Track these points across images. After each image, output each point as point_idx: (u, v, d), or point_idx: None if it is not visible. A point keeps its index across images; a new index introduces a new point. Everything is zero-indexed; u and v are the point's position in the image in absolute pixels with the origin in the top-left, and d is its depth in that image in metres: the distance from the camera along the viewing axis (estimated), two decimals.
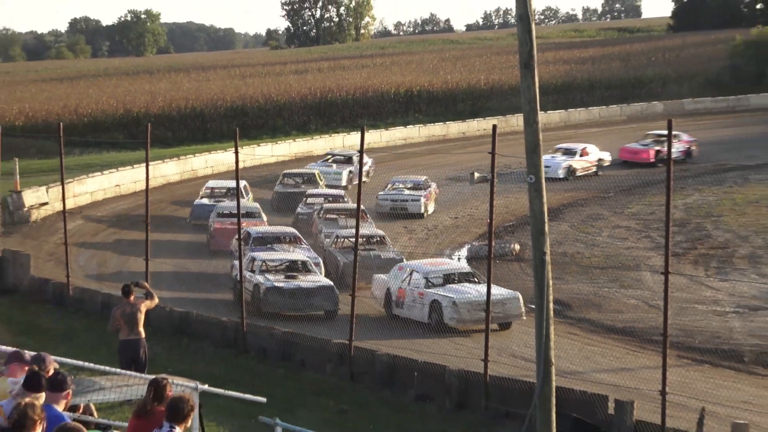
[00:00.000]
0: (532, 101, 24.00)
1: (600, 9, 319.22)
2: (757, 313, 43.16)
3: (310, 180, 67.00)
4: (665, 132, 65.80)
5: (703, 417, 25.92)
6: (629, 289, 46.20)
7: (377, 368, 32.50)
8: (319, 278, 43.39)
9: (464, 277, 41.82)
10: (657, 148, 74.64)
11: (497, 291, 37.37)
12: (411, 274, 42.03)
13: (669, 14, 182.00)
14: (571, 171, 71.38)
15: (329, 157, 76.26)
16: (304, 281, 42.45)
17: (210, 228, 54.12)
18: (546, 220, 24.24)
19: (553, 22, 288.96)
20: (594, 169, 73.78)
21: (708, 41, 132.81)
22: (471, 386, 29.98)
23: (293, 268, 43.94)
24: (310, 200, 59.91)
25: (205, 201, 59.60)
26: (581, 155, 72.45)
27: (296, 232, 50.57)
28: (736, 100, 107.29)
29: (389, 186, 64.77)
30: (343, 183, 71.10)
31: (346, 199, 61.10)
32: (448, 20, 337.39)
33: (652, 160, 73.96)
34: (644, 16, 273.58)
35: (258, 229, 50.32)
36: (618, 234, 58.29)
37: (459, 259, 51.45)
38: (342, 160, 74.27)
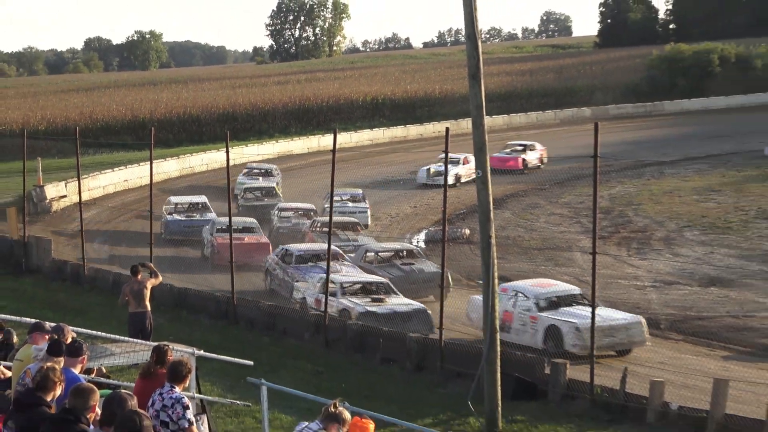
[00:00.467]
0: (479, 107, 24.12)
1: (537, 28, 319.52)
2: (671, 287, 43.24)
3: (270, 193, 60.81)
4: (522, 142, 65.45)
5: (625, 376, 25.94)
6: (562, 267, 46.23)
7: (348, 335, 32.49)
8: (409, 301, 36.11)
9: (573, 299, 34.22)
10: (522, 156, 73.07)
11: (620, 315, 33.00)
12: (516, 296, 34.19)
13: (596, 33, 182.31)
14: (457, 178, 67.37)
15: (246, 170, 68.02)
16: (398, 305, 35.14)
17: (211, 243, 46.96)
18: (491, 208, 24.34)
19: (497, 39, 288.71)
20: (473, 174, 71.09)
21: (629, 56, 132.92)
22: (428, 350, 29.98)
23: (370, 289, 36.70)
24: (283, 214, 53.51)
25: (177, 216, 53.24)
26: (463, 163, 68.70)
27: (338, 249, 42.19)
28: (653, 106, 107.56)
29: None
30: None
31: (315, 211, 54.89)
32: (407, 38, 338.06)
33: (521, 167, 71.81)
34: (575, 34, 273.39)
35: (299, 247, 43.68)
36: (553, 220, 58.34)
37: (417, 242, 51.33)
38: (261, 173, 67.53)
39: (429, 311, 34.47)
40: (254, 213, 54.73)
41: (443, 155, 67.41)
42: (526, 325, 33.19)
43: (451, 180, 65.05)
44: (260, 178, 66.30)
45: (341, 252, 42.84)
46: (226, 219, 45.03)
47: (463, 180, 67.79)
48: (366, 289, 36.63)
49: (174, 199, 56.23)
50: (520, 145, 74.24)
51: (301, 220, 53.97)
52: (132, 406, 9.84)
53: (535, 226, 57.13)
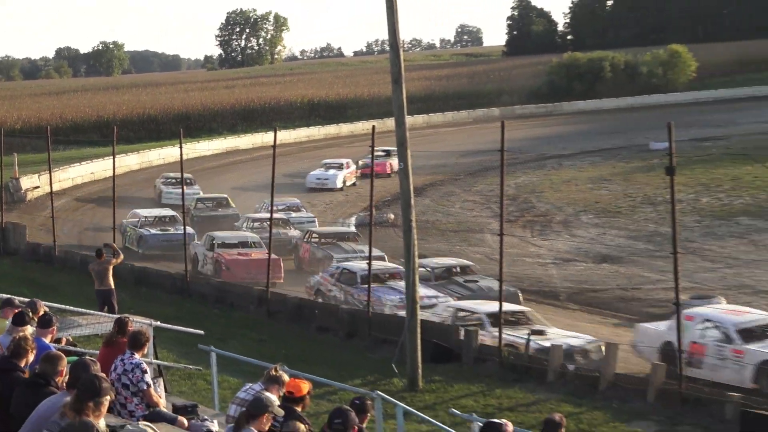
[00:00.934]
0: (401, 108, 24.14)
1: (452, 39, 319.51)
2: (569, 263, 43.57)
3: (222, 203, 53.31)
4: (386, 148, 64.79)
5: (529, 341, 26.05)
6: (475, 247, 46.38)
7: (288, 307, 32.48)
8: (553, 329, 28.45)
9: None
10: (389, 161, 67.28)
11: None
12: (707, 324, 26.46)
13: (504, 43, 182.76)
14: (343, 180, 65.37)
15: (163, 179, 61.40)
16: (559, 336, 27.31)
17: (215, 260, 40.03)
18: (412, 195, 24.39)
19: (418, 49, 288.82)
20: (354, 178, 66.86)
21: (532, 63, 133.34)
22: (358, 320, 30.01)
23: (513, 320, 28.28)
24: (257, 224, 46.10)
25: (153, 231, 45.61)
26: (346, 167, 66.88)
27: (399, 266, 33.36)
28: (553, 106, 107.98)
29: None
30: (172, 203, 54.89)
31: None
32: (340, 48, 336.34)
33: (388, 172, 66.45)
34: (485, 44, 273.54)
35: (361, 266, 34.52)
36: (467, 206, 58.47)
37: (349, 226, 51.14)
38: (178, 181, 53.47)
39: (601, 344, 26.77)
40: (209, 224, 47.52)
41: (327, 161, 65.92)
42: (727, 359, 25.53)
43: (339, 184, 64.39)
44: (170, 187, 58.01)
45: (401, 269, 32.08)
46: (226, 233, 42.71)
47: (348, 183, 65.73)
48: (509, 321, 27.68)
49: (141, 212, 48.68)
50: (384, 151, 68.36)
51: (216, 212, 51.11)
52: (95, 371, 9.76)
53: (451, 211, 57.28)
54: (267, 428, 10.43)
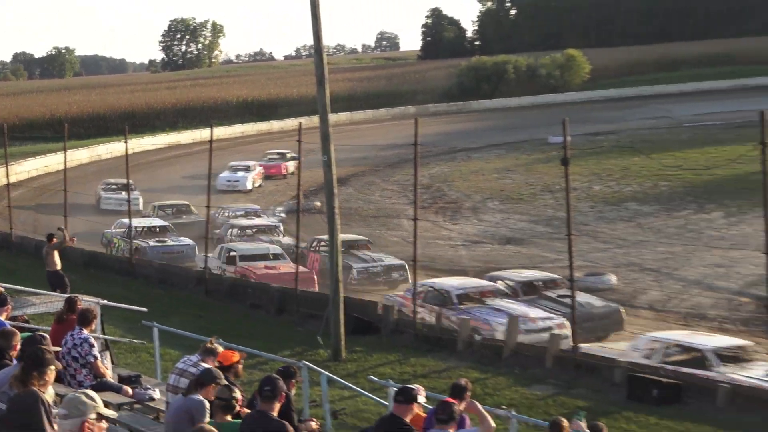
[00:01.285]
0: (324, 106, 24.15)
1: (373, 44, 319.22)
2: (477, 245, 43.79)
3: (181, 210, 47.79)
4: (281, 150, 63.22)
5: (440, 315, 26.19)
6: (393, 231, 46.48)
7: (224, 287, 32.37)
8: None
9: None
10: (285, 163, 65.71)
11: None
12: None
13: (419, 48, 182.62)
14: (253, 181, 61.64)
15: (104, 185, 55.11)
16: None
17: (244, 275, 33.91)
18: (335, 185, 24.41)
19: (342, 53, 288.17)
20: (252, 178, 61.91)
21: (444, 66, 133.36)
22: (287, 297, 29.93)
23: None
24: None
25: (152, 243, 39.59)
26: (253, 169, 62.87)
27: (492, 283, 28.90)
28: (462, 105, 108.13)
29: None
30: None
31: (279, 228, 42.93)
32: (271, 52, 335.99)
33: (283, 173, 65.25)
34: (402, 49, 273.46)
35: (453, 283, 28.71)
36: (386, 194, 58.55)
37: (279, 213, 51.00)
38: (119, 187, 50.94)
39: None
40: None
41: (233, 163, 61.46)
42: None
43: (249, 186, 60.53)
44: (122, 192, 47.99)
45: (500, 288, 28.64)
46: (245, 246, 37.13)
47: (255, 184, 61.72)
48: (729, 357, 22.01)
49: (134, 222, 40.52)
50: (278, 153, 67.27)
51: (179, 219, 45.21)
52: (44, 345, 9.69)
53: (371, 199, 57.31)
54: (212, 397, 10.45)
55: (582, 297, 27.42)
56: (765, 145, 20.64)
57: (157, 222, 43.21)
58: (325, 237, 34.54)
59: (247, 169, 62.56)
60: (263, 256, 35.42)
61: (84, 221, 44.15)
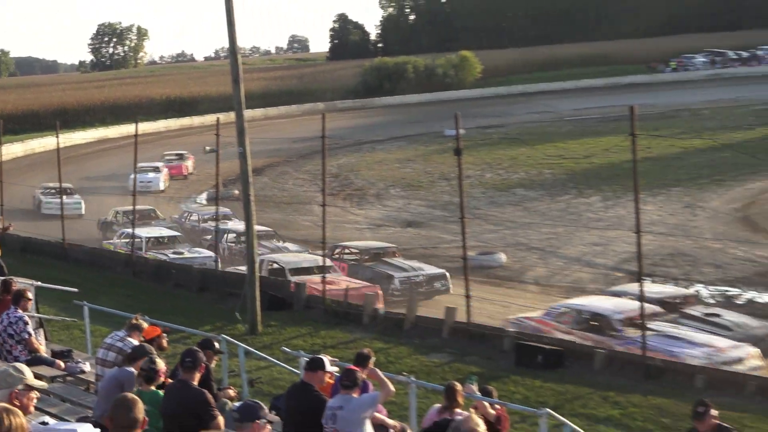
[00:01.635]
0: (240, 103, 24.05)
1: (285, 46, 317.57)
2: (381, 228, 43.95)
3: (147, 215, 41.86)
4: (178, 152, 61.66)
5: (348, 292, 26.24)
6: (305, 216, 46.33)
7: (149, 268, 32.08)
8: None
9: None
10: (184, 164, 62.57)
11: None
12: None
13: (327, 50, 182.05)
14: (164, 182, 57.16)
15: (42, 189, 50.12)
16: None
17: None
18: (251, 174, 24.39)
19: (257, 54, 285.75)
20: (164, 179, 57.76)
21: (350, 66, 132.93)
22: (209, 277, 29.77)
23: None
24: (230, 236, 36.66)
25: (171, 254, 33.93)
26: (161, 170, 58.07)
27: (654, 307, 21.87)
28: (367, 101, 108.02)
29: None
30: None
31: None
32: (192, 54, 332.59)
33: (185, 173, 61.84)
34: (312, 51, 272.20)
35: (605, 305, 22.74)
36: (298, 183, 58.44)
37: (201, 201, 50.53)
38: (58, 191, 41.79)
39: None
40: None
41: (142, 165, 50.97)
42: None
43: (162, 186, 56.28)
44: (65, 196, 41.34)
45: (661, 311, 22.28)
46: (290, 257, 31.16)
47: (167, 184, 57.57)
48: None
49: (142, 233, 35.73)
50: (177, 154, 63.47)
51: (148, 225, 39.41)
52: None
53: (285, 187, 57.16)
54: (140, 371, 10.41)
55: (731, 316, 23.55)
56: (634, 136, 21.02)
57: (166, 232, 37.38)
58: (351, 243, 33.59)
59: (157, 169, 57.67)
60: (312, 269, 29.12)
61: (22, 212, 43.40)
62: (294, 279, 28.15)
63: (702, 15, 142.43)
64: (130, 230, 34.94)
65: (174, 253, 34.35)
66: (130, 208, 39.35)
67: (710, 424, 11.44)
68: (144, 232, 36.25)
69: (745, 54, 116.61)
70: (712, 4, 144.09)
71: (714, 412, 11.47)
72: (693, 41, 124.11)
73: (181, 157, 63.88)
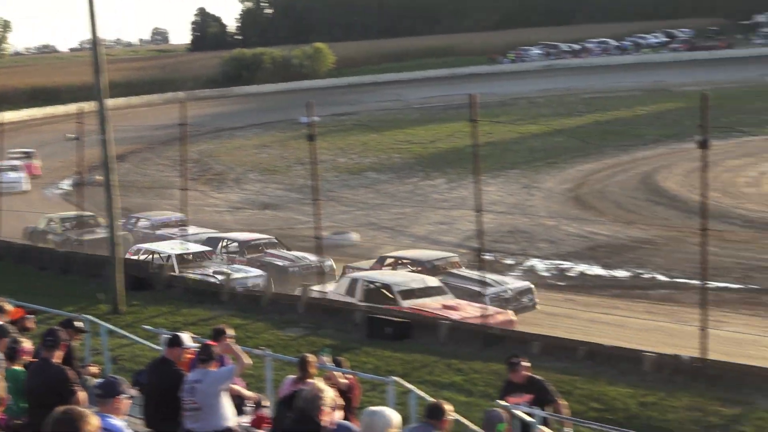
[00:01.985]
0: (101, 92, 23.56)
1: (149, 38, 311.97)
2: (240, 210, 43.76)
3: (87, 222, 34.46)
4: (26, 150, 57.21)
5: (207, 273, 25.97)
6: (167, 200, 45.38)
7: (14, 251, 31.17)
8: None
9: None
10: (35, 162, 55.49)
11: None
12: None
13: (189, 41, 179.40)
14: (26, 181, 50.36)
15: None
16: None
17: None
18: (114, 161, 23.86)
19: (120, 46, 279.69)
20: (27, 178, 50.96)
21: (210, 57, 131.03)
22: (71, 259, 29.15)
23: None
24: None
25: (219, 276, 26.84)
26: (21, 169, 50.99)
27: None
28: (226, 91, 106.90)
29: None
30: None
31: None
32: (54, 45, 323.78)
33: (36, 173, 53.95)
34: (172, 42, 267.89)
35: None
36: (159, 168, 57.56)
37: (66, 187, 49.21)
38: None
39: None
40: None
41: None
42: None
43: (25, 187, 49.51)
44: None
45: None
46: (398, 278, 24.73)
47: (26, 186, 50.00)
48: None
49: (165, 249, 28.95)
50: (24, 152, 55.42)
51: (95, 234, 32.71)
52: None
53: (147, 172, 56.26)
54: (3, 350, 10.15)
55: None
56: (475, 123, 21.37)
57: (193, 247, 29.22)
58: (402, 253, 28.70)
59: (16, 168, 50.64)
60: (426, 291, 23.88)
61: None
62: (406, 304, 22.92)
63: (537, 11, 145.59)
64: (148, 245, 29.54)
65: (216, 272, 27.35)
66: (67, 214, 36.46)
67: (522, 375, 12.19)
68: (166, 247, 29.21)
69: (576, 47, 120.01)
70: (547, 1, 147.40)
71: (525, 363, 12.26)
72: (529, 35, 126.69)
73: (28, 155, 55.80)
